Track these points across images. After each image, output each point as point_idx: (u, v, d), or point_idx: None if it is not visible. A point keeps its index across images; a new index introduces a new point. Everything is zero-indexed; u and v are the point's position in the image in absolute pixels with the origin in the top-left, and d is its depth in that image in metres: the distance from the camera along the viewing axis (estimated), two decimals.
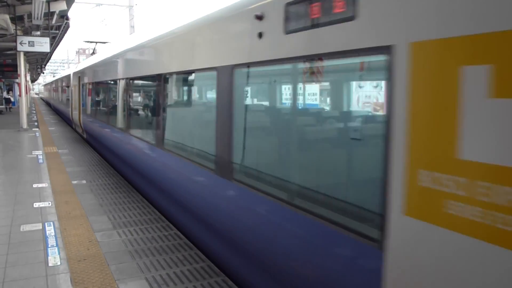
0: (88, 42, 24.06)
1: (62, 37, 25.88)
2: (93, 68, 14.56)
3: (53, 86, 40.17)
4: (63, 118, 28.61)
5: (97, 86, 13.96)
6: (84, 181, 9.26)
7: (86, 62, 17.62)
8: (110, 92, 11.87)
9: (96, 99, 14.23)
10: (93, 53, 22.10)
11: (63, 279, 4.58)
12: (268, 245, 3.97)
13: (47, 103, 53.67)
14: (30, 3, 14.35)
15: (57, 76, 40.64)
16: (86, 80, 16.18)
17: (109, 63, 11.70)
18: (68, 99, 23.52)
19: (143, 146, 8.14)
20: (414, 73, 2.37)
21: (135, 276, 4.70)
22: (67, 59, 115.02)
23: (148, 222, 6.51)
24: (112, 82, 11.36)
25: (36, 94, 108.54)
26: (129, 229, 6.19)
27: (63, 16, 19.93)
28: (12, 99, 38.67)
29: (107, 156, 12.22)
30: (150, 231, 6.11)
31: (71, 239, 5.74)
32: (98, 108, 13.75)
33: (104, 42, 23.41)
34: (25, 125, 20.48)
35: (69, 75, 22.39)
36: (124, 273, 4.76)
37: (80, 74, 17.75)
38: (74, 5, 18.06)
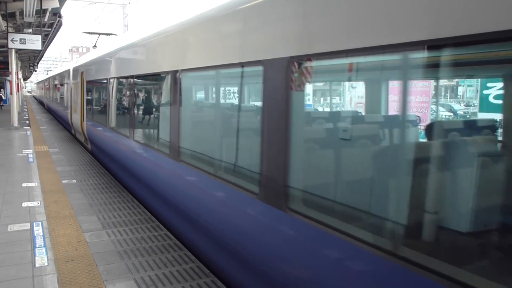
0: (88, 33, 19.63)
1: (55, 35, 25.72)
2: (103, 60, 11.24)
3: (48, 83, 35.26)
4: (59, 120, 25.06)
5: (112, 84, 10.24)
6: (74, 181, 9.18)
7: (91, 55, 14.01)
8: (133, 92, 8.53)
9: (112, 102, 10.38)
10: (95, 46, 18.53)
11: (50, 280, 4.51)
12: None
13: (40, 102, 51.95)
14: (22, 0, 14.23)
15: (53, 73, 35.63)
16: (92, 76, 12.86)
17: (132, 52, 8.57)
18: (65, 99, 20.12)
19: (198, 177, 5.30)
20: None
21: (123, 277, 4.65)
22: (60, 57, 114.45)
23: (138, 222, 6.45)
24: (138, 79, 8.27)
25: (29, 92, 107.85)
26: (119, 229, 6.13)
27: (56, 13, 19.79)
28: (3, 97, 38.36)
29: (125, 180, 8.93)
30: (140, 231, 6.06)
31: (60, 239, 5.68)
32: (114, 114, 10.28)
33: (109, 34, 19.34)
34: (16, 124, 20.31)
35: (68, 70, 18.80)
36: (112, 273, 4.70)
37: (83, 69, 14.33)
38: (67, 3, 17.82)
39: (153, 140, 7.47)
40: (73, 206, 7.25)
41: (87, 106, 13.63)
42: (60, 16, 20.56)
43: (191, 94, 6.48)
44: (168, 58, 6.41)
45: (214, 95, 5.99)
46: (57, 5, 16.67)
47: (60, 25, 22.41)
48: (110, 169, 10.40)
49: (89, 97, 13.52)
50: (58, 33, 25.39)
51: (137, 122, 8.37)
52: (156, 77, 7.33)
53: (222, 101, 5.55)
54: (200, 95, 6.98)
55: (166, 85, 6.41)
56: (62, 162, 11.38)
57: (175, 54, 6.15)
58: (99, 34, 19.48)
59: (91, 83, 13.19)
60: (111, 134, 10.09)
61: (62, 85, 22.19)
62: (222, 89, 5.64)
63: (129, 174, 8.39)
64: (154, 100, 8.06)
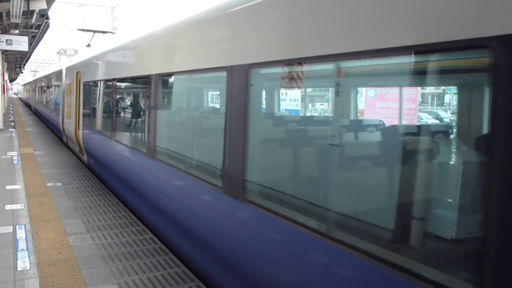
0: (83, 30, 17.96)
1: (42, 36, 25.46)
2: (109, 57, 9.42)
3: (36, 85, 32.75)
4: (49, 126, 22.81)
5: (121, 85, 8.86)
6: (59, 184, 9.07)
7: (91, 51, 12.17)
8: (142, 96, 7.45)
9: (120, 107, 8.92)
10: (88, 45, 16.95)
11: (32, 284, 4.43)
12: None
13: (27, 105, 50.15)
14: (9, 1, 14.07)
15: (42, 73, 32.49)
16: (92, 76, 10.96)
17: (146, 49, 7.03)
18: (55, 103, 18.41)
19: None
20: None
21: (107, 281, 4.59)
22: (47, 59, 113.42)
23: (123, 226, 6.39)
24: (153, 80, 6.38)
25: (15, 94, 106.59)
26: (103, 233, 6.06)
27: (43, 15, 19.60)
28: None
29: (138, 206, 7.11)
30: (125, 235, 5.99)
31: (43, 243, 5.59)
32: (123, 123, 8.69)
33: (105, 32, 18.01)
34: (1, 125, 20.01)
35: (60, 70, 16.94)
36: (95, 278, 4.64)
37: (80, 69, 12.45)
38: (55, 5, 17.65)
39: (190, 162, 5.56)
40: (58, 209, 7.16)
41: (84, 111, 11.82)
42: (47, 18, 20.36)
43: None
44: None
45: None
46: (44, 6, 16.52)
47: (48, 26, 22.20)
48: (115, 189, 8.56)
49: (86, 101, 11.65)
50: (46, 34, 25.15)
51: (159, 136, 6.28)
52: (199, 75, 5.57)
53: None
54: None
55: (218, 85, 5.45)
56: (47, 165, 11.24)
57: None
58: (94, 31, 18.18)
59: (89, 84, 11.24)
60: (121, 149, 8.08)
61: (53, 87, 20.15)
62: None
63: (145, 202, 6.54)
64: (188, 106, 6.42)
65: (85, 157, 11.93)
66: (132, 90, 8.89)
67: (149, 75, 6.43)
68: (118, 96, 8.93)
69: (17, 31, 19.19)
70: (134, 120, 8.35)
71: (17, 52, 25.59)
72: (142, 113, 7.53)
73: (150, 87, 6.46)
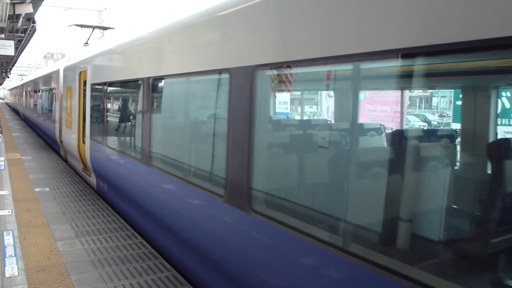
0: (81, 26, 15.25)
1: (29, 40, 25.24)
2: (133, 50, 7.08)
3: (25, 89, 30.25)
4: (39, 133, 20.80)
5: (157, 87, 6.14)
6: (47, 189, 8.98)
7: (100, 47, 9.71)
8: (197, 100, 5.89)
9: (149, 116, 6.14)
10: (86, 43, 14.91)
11: None
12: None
13: (14, 110, 48.04)
14: None
15: (33, 76, 29.45)
16: (106, 75, 8.51)
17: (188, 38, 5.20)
18: (48, 109, 16.79)
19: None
20: None
21: (96, 286, 4.56)
22: (34, 63, 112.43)
23: (112, 230, 6.35)
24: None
25: (1, 99, 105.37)
26: (92, 237, 6.02)
27: (30, 19, 19.44)
28: None
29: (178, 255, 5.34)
30: (114, 239, 5.96)
31: (31, 249, 5.54)
32: (157, 137, 6.11)
33: (105, 28, 15.82)
34: None
35: (56, 72, 14.77)
36: (85, 283, 4.61)
37: (86, 68, 9.98)
38: (41, 9, 17.51)
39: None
40: (46, 214, 7.09)
41: (93, 121, 9.41)
42: (34, 22, 20.20)
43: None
44: None
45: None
46: (31, 10, 16.38)
47: (34, 30, 22.01)
48: (140, 225, 6.56)
49: (97, 108, 9.16)
50: (32, 39, 24.94)
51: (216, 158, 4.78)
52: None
53: None
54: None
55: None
56: (35, 170, 11.13)
57: None
58: (94, 27, 15.81)
59: (102, 87, 8.72)
60: (153, 175, 5.93)
61: (47, 91, 18.01)
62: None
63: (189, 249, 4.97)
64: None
65: (92, 179, 9.53)
66: (178, 93, 6.13)
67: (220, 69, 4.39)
68: (154, 101, 6.14)
69: (2, 35, 19.01)
70: (182, 137, 5.90)
71: (3, 57, 25.32)
72: (194, 127, 5.71)
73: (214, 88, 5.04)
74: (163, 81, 6.00)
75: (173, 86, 6.06)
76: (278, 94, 4.25)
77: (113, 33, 13.00)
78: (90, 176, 9.82)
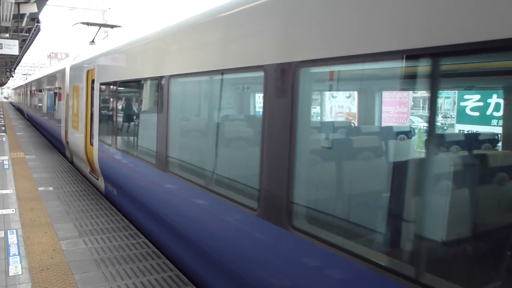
0: (87, 24, 14.86)
1: (33, 40, 25.32)
2: (151, 47, 6.44)
3: (30, 88, 29.65)
4: (44, 133, 20.54)
5: (178, 86, 5.63)
6: (51, 188, 9.01)
7: (109, 45, 9.08)
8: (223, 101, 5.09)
9: (166, 117, 5.57)
10: (92, 42, 14.34)
11: None
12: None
13: (19, 109, 47.82)
14: None
15: (37, 75, 28.52)
16: (112, 76, 8.19)
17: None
18: (53, 109, 16.36)
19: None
20: None
21: (100, 285, 4.57)
22: (38, 63, 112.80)
23: (115, 230, 6.37)
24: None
25: (5, 98, 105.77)
26: (96, 237, 6.04)
27: (34, 19, 19.51)
28: None
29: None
30: (118, 239, 5.97)
31: (35, 248, 5.56)
32: (175, 141, 5.61)
33: (112, 26, 15.09)
34: None
35: (62, 70, 14.31)
36: (88, 282, 4.62)
37: (94, 67, 9.57)
38: (45, 8, 17.55)
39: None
40: (49, 213, 7.11)
41: (102, 122, 8.94)
42: (38, 21, 20.26)
43: None
44: None
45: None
46: (35, 10, 16.43)
47: (38, 30, 22.08)
48: (155, 235, 6.11)
49: (107, 109, 8.77)
50: (36, 38, 25.02)
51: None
52: None
53: None
54: None
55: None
56: (39, 169, 11.17)
57: None
58: (100, 25, 15.33)
59: (112, 86, 8.29)
60: (170, 182, 5.48)
61: (51, 90, 17.50)
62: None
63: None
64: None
65: (101, 183, 9.13)
66: (202, 93, 5.65)
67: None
68: (172, 102, 5.52)
69: (7, 35, 19.10)
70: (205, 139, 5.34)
71: (8, 56, 25.41)
72: (221, 129, 5.03)
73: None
74: (184, 79, 5.43)
75: (196, 85, 5.60)
76: (326, 94, 3.87)
77: (118, 33, 12.73)
78: (98, 179, 9.41)
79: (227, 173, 4.60)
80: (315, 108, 3.74)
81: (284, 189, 3.27)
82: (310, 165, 3.51)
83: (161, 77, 5.69)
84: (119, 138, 7.95)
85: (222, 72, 4.37)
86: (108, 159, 8.35)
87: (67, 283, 4.59)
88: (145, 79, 6.63)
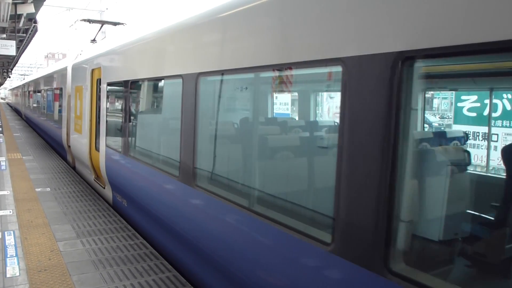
0: (89, 21, 14.12)
1: (30, 40, 25.27)
2: (161, 45, 5.89)
3: (28, 89, 28.55)
4: (43, 136, 19.76)
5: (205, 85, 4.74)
6: (48, 189, 8.99)
7: (117, 41, 8.18)
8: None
9: (191, 120, 4.79)
10: (94, 40, 13.78)
11: None
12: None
13: (16, 110, 47.12)
14: None
15: (37, 74, 26.96)
16: (122, 75, 7.36)
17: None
18: (54, 111, 15.60)
19: None
20: None
21: (98, 286, 4.56)
22: (35, 63, 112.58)
23: (113, 231, 6.35)
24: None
25: (2, 99, 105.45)
26: (94, 238, 6.03)
27: (31, 19, 19.46)
28: None
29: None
30: (115, 240, 5.96)
31: (32, 249, 5.54)
32: (205, 147, 4.83)
33: (115, 23, 14.34)
34: None
35: (63, 69, 13.68)
36: (86, 283, 4.61)
37: (98, 66, 8.94)
38: (43, 9, 17.52)
39: None
40: (47, 214, 7.10)
41: (110, 125, 8.17)
42: (35, 22, 20.22)
43: None
44: None
45: None
46: (32, 10, 16.40)
47: (36, 30, 22.03)
48: (176, 256, 5.34)
49: (115, 111, 8.17)
50: (34, 39, 24.99)
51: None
52: None
53: None
54: None
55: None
56: (36, 170, 11.14)
57: None
58: (103, 23, 14.67)
59: (121, 86, 7.51)
60: (198, 198, 4.65)
61: (52, 90, 16.63)
62: None
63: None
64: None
65: (108, 192, 8.45)
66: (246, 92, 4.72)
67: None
68: (202, 103, 4.71)
69: (4, 35, 19.04)
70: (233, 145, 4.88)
71: (5, 57, 25.34)
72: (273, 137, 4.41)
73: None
74: (219, 77, 4.52)
75: (236, 83, 4.69)
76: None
77: (116, 33, 12.52)
78: (104, 188, 8.67)
79: (281, 192, 3.71)
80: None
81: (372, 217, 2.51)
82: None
83: (186, 75, 4.86)
84: (132, 144, 7.07)
85: (280, 67, 3.46)
86: (118, 168, 7.57)
87: (65, 284, 4.57)
88: (165, 77, 5.83)
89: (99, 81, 8.85)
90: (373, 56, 2.48)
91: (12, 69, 45.25)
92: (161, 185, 5.69)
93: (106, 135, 8.21)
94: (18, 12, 15.87)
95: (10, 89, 76.65)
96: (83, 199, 8.24)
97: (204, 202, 4.50)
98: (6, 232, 6.10)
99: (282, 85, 3.76)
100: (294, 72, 3.46)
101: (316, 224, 3.08)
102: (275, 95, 4.44)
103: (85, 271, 4.93)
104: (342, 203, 2.69)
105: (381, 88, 2.43)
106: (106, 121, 8.25)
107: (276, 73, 3.64)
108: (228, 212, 4.03)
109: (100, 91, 8.75)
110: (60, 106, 14.13)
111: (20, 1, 14.41)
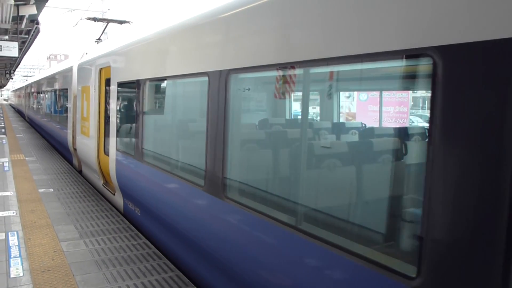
0: (94, 20, 13.62)
1: (32, 42, 25.33)
2: (183, 40, 5.27)
3: (31, 90, 27.96)
4: (47, 138, 19.16)
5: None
6: (51, 190, 9.02)
7: (129, 38, 7.55)
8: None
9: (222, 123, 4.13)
10: (99, 39, 13.49)
11: None
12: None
13: (19, 112, 47.04)
14: None
15: (40, 75, 26.18)
16: (135, 74, 6.72)
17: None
18: (58, 112, 15.14)
19: None
20: None
21: (101, 287, 4.58)
22: (37, 65, 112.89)
23: (116, 231, 6.37)
24: None
25: (5, 100, 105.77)
26: (97, 238, 6.04)
27: (33, 20, 19.52)
28: None
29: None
30: (118, 240, 5.98)
31: (36, 249, 5.56)
32: (236, 153, 4.27)
33: (121, 22, 13.76)
34: None
35: (68, 69, 13.25)
36: (89, 283, 4.63)
37: (107, 64, 8.43)
38: (45, 10, 17.55)
39: None
40: (50, 215, 7.12)
41: (120, 127, 7.76)
42: (37, 23, 20.27)
43: None
44: None
45: None
46: (34, 11, 16.45)
47: (38, 32, 22.08)
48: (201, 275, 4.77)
49: (127, 112, 7.66)
50: (36, 40, 25.04)
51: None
52: None
53: None
54: None
55: None
56: (39, 171, 11.17)
57: None
58: (108, 21, 14.07)
59: (133, 86, 6.81)
60: (229, 212, 4.08)
61: (56, 91, 16.05)
62: None
63: None
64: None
65: (118, 199, 7.95)
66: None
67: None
68: (234, 103, 4.14)
69: (6, 37, 19.10)
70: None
71: (7, 58, 25.39)
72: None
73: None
74: (254, 74, 4.01)
75: (271, 80, 3.80)
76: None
77: (117, 32, 12.37)
78: (114, 194, 8.15)
79: (335, 209, 3.18)
80: None
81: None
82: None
83: (212, 73, 4.27)
84: (147, 149, 6.41)
85: (329, 61, 2.84)
86: (130, 174, 6.96)
87: (68, 284, 4.59)
88: (186, 75, 5.10)
89: (108, 81, 8.33)
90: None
91: (14, 71, 45.38)
92: (181, 195, 5.12)
93: (117, 138, 7.70)
94: (20, 14, 15.92)
95: (13, 91, 76.78)
96: (86, 199, 8.26)
97: (235, 216, 3.93)
98: (9, 233, 6.13)
99: (342, 83, 3.11)
100: (364, 66, 2.73)
101: (394, 251, 2.41)
102: (332, 94, 3.73)
103: (88, 271, 4.95)
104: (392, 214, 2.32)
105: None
106: (117, 123, 7.76)
107: (334, 68, 2.99)
108: (268, 230, 3.45)
109: (109, 92, 8.21)
110: (65, 107, 13.72)
111: (22, 2, 14.45)
